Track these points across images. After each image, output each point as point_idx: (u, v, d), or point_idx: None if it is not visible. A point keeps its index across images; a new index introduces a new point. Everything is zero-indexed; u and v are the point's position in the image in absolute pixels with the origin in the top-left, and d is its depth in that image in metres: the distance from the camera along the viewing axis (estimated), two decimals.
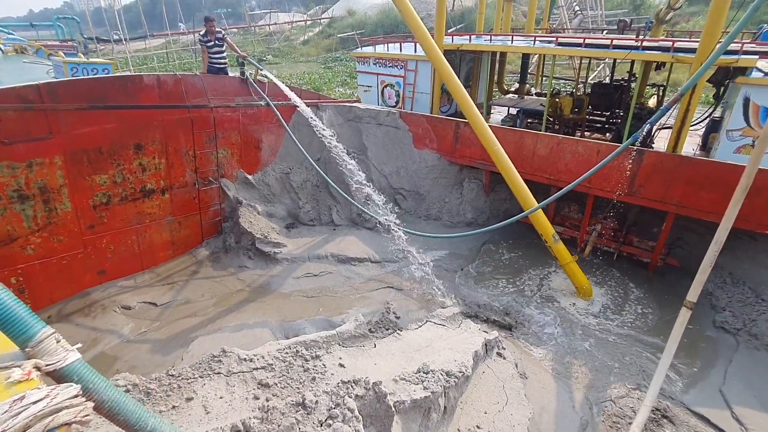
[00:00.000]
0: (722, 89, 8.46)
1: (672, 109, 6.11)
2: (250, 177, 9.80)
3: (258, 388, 4.07)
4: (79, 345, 1.66)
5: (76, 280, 7.67)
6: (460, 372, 4.42)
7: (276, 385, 4.10)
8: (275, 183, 10.10)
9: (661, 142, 9.38)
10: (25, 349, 1.58)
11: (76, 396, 1.44)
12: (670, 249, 8.49)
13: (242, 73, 9.17)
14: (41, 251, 7.19)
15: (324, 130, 8.80)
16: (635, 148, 7.36)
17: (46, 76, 8.75)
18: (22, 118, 6.59)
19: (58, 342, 1.60)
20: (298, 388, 4.06)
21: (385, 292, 8.02)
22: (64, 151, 7.10)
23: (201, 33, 9.55)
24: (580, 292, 7.70)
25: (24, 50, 14.97)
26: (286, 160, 10.25)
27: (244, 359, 4.37)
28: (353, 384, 3.56)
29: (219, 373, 4.21)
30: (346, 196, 8.99)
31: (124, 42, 23.83)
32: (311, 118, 8.87)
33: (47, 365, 1.56)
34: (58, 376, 1.67)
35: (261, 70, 9.04)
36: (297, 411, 3.40)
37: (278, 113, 9.11)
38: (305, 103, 10.31)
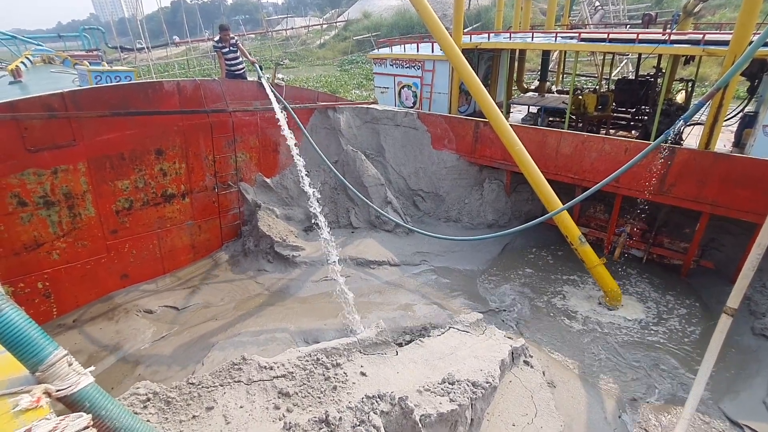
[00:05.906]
0: (756, 82, 8.03)
1: (706, 104, 5.80)
2: (268, 180, 9.81)
3: (278, 397, 3.98)
4: (92, 368, 1.57)
5: (99, 284, 7.78)
6: (486, 382, 4.24)
7: (297, 394, 4.01)
8: (293, 186, 10.08)
9: (690, 139, 8.98)
10: (35, 373, 1.50)
11: (86, 427, 1.35)
12: (704, 250, 8.10)
13: (259, 77, 9.21)
14: (66, 256, 7.31)
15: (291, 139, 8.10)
16: (666, 145, 7.05)
17: (72, 85, 8.94)
18: (48, 125, 6.70)
19: (70, 365, 1.51)
20: (319, 398, 3.95)
21: (404, 295, 7.88)
22: (87, 157, 7.21)
23: (215, 40, 9.66)
24: (608, 297, 7.38)
25: (51, 60, 15.44)
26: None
27: (264, 367, 4.29)
28: (378, 399, 3.42)
29: (239, 381, 4.14)
30: (365, 198, 8.88)
31: (147, 50, 24.37)
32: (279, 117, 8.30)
33: (58, 390, 1.47)
34: (69, 402, 1.58)
35: (262, 77, 9.10)
36: (320, 429, 3.28)
37: (296, 116, 9.10)
38: (322, 105, 10.28)
